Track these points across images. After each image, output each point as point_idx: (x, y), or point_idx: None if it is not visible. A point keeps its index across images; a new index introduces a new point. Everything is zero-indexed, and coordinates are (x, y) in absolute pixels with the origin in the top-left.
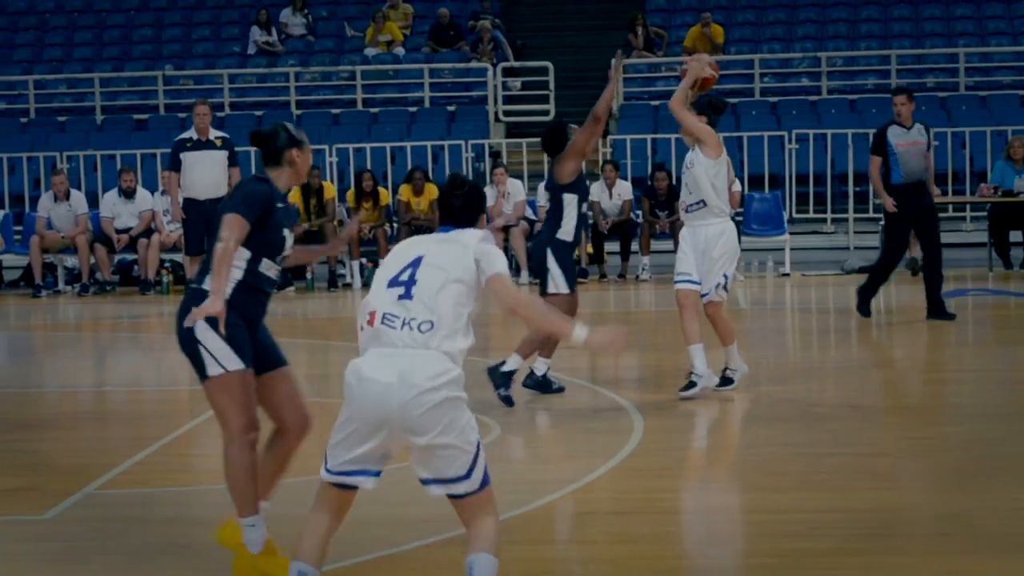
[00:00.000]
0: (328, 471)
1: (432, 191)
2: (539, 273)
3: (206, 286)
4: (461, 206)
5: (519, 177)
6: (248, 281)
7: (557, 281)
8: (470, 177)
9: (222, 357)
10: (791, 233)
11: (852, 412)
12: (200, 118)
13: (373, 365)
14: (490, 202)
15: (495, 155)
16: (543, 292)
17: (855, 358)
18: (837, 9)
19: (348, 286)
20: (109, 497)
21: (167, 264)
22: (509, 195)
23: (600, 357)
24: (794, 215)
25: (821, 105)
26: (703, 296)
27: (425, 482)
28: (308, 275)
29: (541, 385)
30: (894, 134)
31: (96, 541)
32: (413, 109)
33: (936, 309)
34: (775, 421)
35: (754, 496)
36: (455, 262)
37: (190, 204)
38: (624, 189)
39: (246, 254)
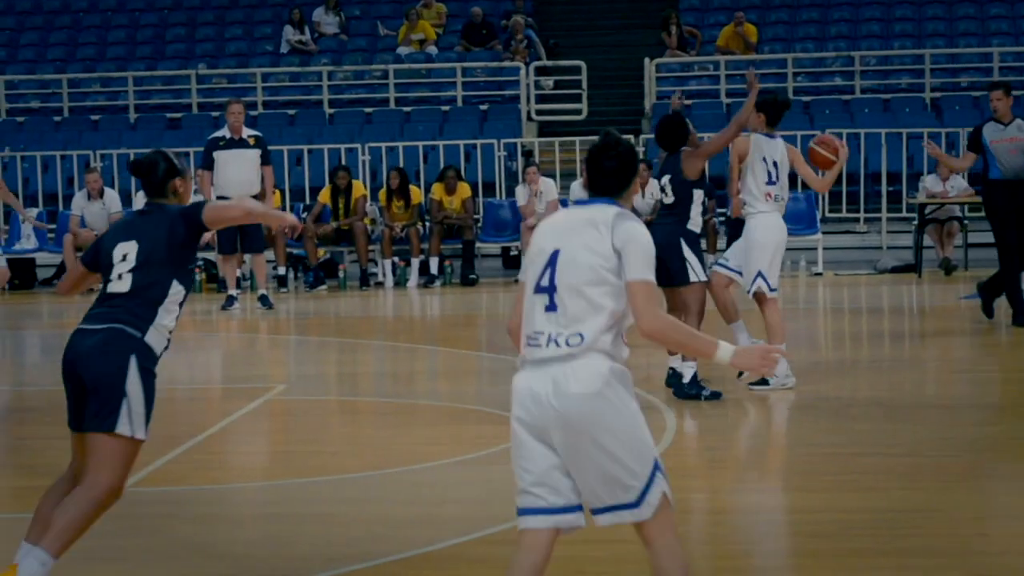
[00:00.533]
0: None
1: (464, 190)
2: (670, 264)
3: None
4: (614, 168)
5: (551, 176)
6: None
7: (696, 269)
8: (515, 170)
9: (138, 422)
10: (824, 232)
11: (884, 412)
12: (233, 117)
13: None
14: (522, 201)
15: (527, 154)
16: (679, 283)
17: (887, 357)
18: (871, 8)
19: (380, 284)
20: (142, 495)
21: (200, 262)
22: (542, 194)
23: (633, 355)
24: (827, 214)
25: (854, 104)
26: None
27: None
28: (340, 274)
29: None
30: (990, 131)
31: (129, 539)
32: (446, 108)
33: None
34: (808, 421)
35: (788, 496)
36: (592, 256)
37: None
38: (656, 188)
39: (181, 292)
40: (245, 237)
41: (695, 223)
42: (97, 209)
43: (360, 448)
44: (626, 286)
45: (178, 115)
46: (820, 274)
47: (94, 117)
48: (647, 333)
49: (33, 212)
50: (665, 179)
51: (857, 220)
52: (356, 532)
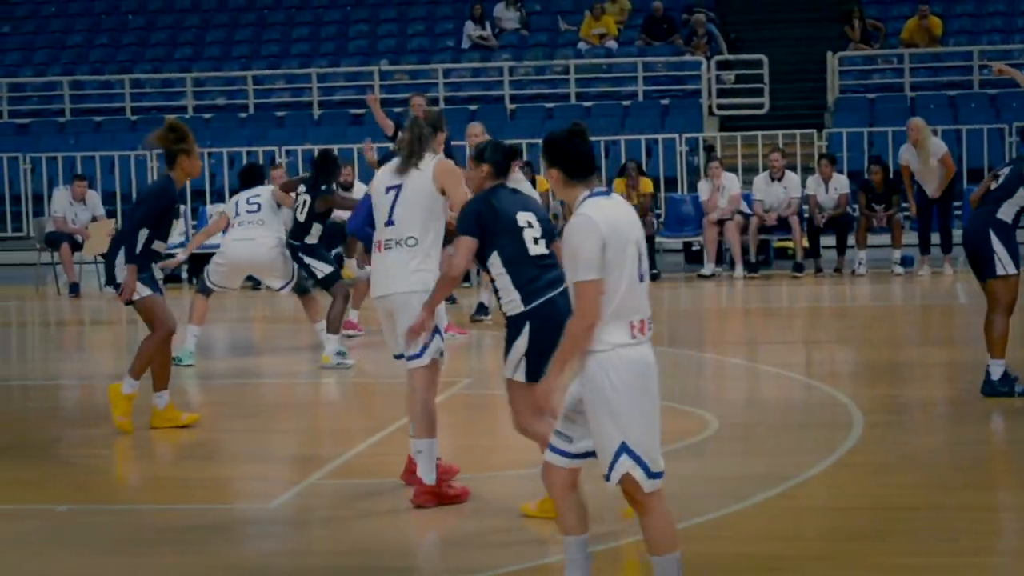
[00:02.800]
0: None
1: (647, 184)
2: (978, 255)
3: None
4: (590, 150)
5: (733, 171)
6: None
7: (1004, 261)
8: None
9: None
10: None
11: None
12: (416, 110)
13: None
14: (704, 196)
15: (709, 149)
16: (988, 276)
17: None
18: None
19: None
20: (332, 487)
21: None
22: (724, 188)
23: (816, 351)
24: None
25: None
26: None
27: None
28: None
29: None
30: None
31: (319, 531)
32: (626, 103)
33: None
34: (1001, 419)
35: (976, 494)
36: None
37: None
38: (840, 183)
39: None
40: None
41: (1006, 212)
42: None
43: (534, 444)
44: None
45: (361, 111)
46: None
47: (279, 113)
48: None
49: (217, 209)
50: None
51: None
52: (544, 528)
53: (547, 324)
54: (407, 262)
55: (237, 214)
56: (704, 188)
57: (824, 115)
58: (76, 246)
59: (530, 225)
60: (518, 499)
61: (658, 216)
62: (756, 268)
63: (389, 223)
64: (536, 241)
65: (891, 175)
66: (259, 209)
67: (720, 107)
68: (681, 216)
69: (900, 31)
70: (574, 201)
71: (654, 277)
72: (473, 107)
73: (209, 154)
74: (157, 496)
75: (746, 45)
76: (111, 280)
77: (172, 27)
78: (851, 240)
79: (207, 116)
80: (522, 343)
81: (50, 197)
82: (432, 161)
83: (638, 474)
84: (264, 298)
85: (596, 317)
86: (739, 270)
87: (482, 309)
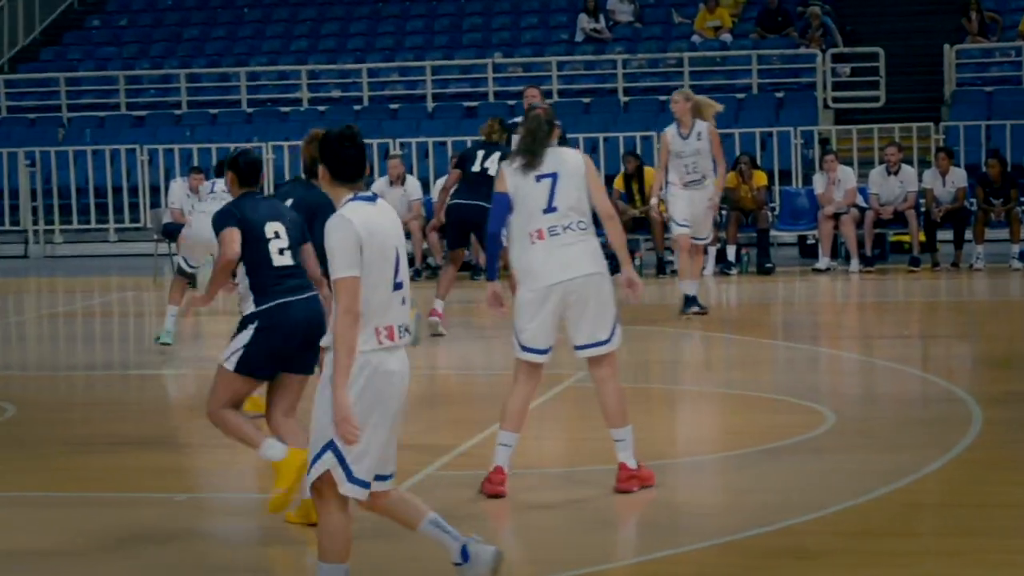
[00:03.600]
0: None
1: (760, 177)
2: None
3: None
4: (360, 154)
5: (849, 164)
6: None
7: None
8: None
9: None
10: None
11: None
12: (532, 100)
13: None
14: (820, 189)
15: (824, 142)
16: None
17: None
18: None
19: (676, 272)
20: (450, 478)
21: None
22: (840, 182)
23: (932, 346)
24: None
25: None
26: None
27: None
28: (636, 261)
29: None
30: None
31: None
32: (741, 96)
33: None
34: None
35: None
36: None
37: None
38: (958, 176)
39: None
40: None
41: None
42: (398, 195)
43: (655, 436)
44: None
45: (475, 103)
46: None
47: (393, 106)
48: None
49: None
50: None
51: None
52: (661, 519)
53: (275, 325)
54: (588, 243)
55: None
56: (819, 182)
57: (941, 108)
58: None
59: (277, 236)
60: (636, 493)
61: (773, 210)
62: (872, 262)
63: (551, 210)
64: (282, 252)
65: (1009, 168)
66: None
67: (835, 100)
68: (796, 209)
69: (1018, 23)
70: (339, 201)
71: (768, 271)
72: (586, 100)
73: None
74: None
75: (862, 38)
76: None
77: (287, 20)
78: (968, 234)
79: (321, 108)
80: (245, 336)
81: (167, 189)
82: (575, 153)
83: (338, 473)
84: None
85: (357, 311)
86: (854, 264)
87: (691, 302)
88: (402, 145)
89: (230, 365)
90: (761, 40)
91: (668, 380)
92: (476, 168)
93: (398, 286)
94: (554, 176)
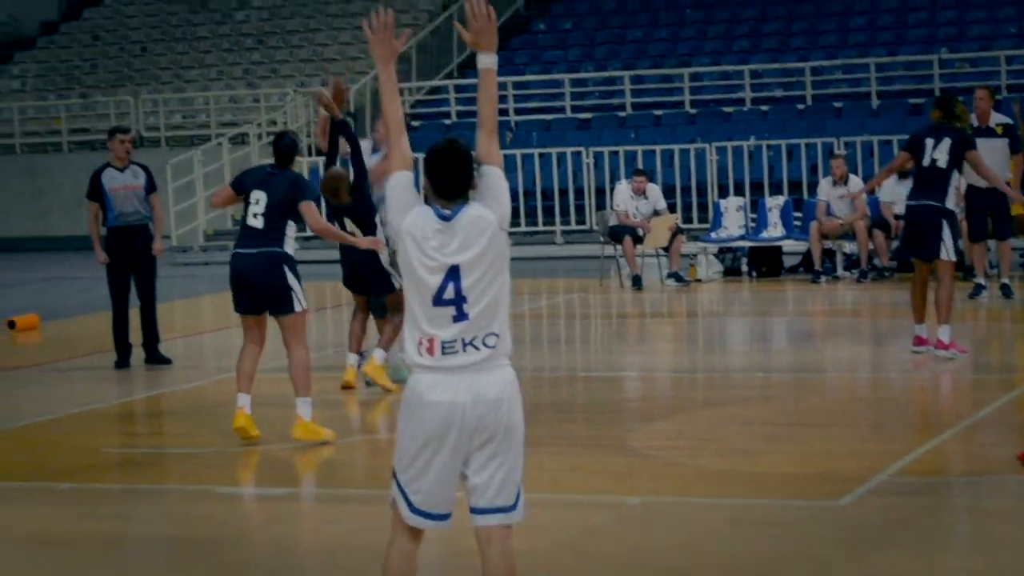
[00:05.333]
0: None
1: None
2: None
3: None
4: (453, 171)
5: None
6: None
7: None
8: None
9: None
10: None
11: None
12: (980, 102)
13: None
14: None
15: None
16: None
17: None
18: None
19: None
20: (903, 485)
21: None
22: None
23: None
24: None
25: None
26: None
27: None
28: None
29: None
30: None
31: (887, 529)
32: None
33: None
34: None
35: None
36: None
37: (972, 191)
38: None
39: None
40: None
41: None
42: (840, 192)
43: None
44: None
45: (920, 100)
46: None
47: (836, 104)
48: None
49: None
50: None
51: None
52: None
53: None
54: None
55: None
56: None
57: None
58: (637, 239)
59: (257, 202)
60: None
61: None
62: None
63: None
64: (255, 216)
65: None
66: None
67: None
68: None
69: None
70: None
71: None
72: None
73: (767, 146)
74: (726, 489)
75: None
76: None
77: (729, 20)
78: None
79: (764, 108)
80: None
81: (612, 191)
82: None
83: (400, 502)
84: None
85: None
86: None
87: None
88: (846, 144)
89: None
90: None
91: None
92: (925, 162)
93: (447, 303)
94: None
